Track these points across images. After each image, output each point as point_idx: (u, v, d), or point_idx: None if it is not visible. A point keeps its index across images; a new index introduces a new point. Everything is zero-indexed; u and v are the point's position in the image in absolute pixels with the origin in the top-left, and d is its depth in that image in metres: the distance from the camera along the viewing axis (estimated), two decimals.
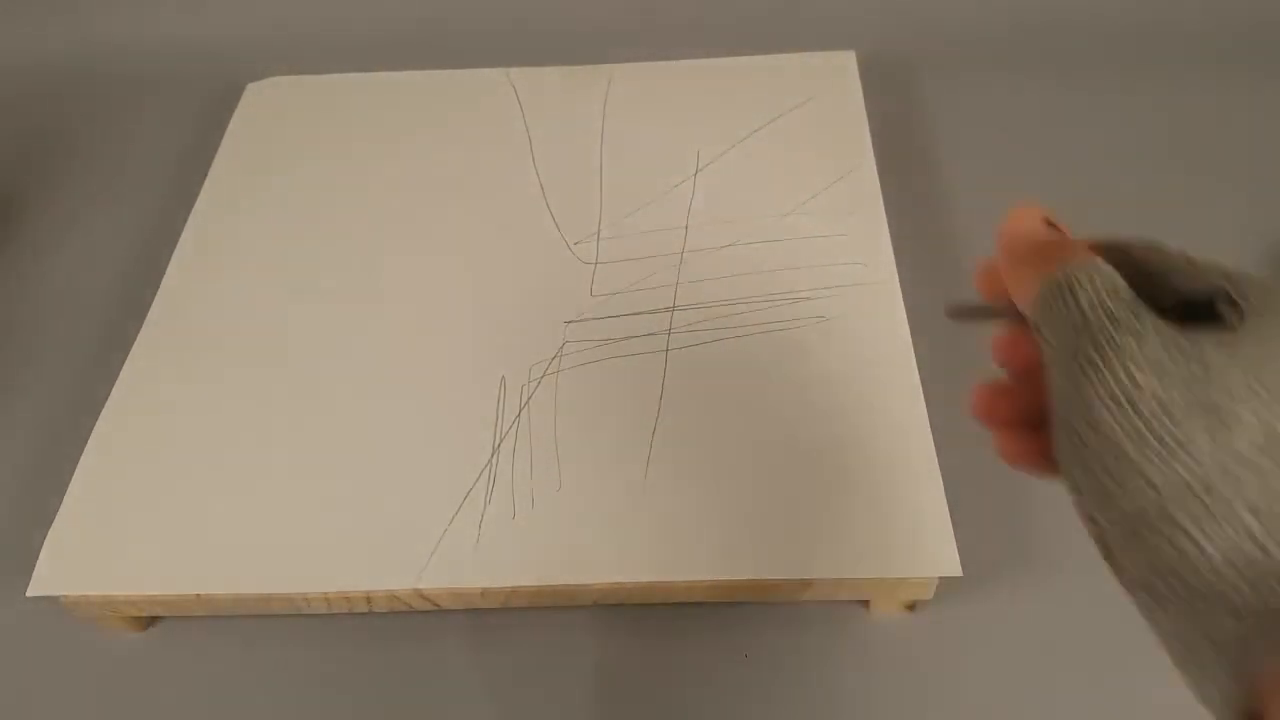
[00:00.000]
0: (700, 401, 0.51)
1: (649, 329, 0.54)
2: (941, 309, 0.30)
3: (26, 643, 0.49)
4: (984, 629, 0.47)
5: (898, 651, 0.47)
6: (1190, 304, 0.24)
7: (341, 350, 0.55)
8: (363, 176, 0.64)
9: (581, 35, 0.75)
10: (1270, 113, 0.68)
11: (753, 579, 0.45)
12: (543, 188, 0.62)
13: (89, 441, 0.51)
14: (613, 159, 0.64)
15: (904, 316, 0.53)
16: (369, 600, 0.47)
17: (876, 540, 0.45)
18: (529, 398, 0.52)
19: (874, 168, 0.61)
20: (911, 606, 0.47)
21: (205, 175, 0.65)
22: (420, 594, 0.46)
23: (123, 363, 0.54)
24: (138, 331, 0.56)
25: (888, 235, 0.57)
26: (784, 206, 0.59)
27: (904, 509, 0.46)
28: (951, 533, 0.45)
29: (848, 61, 0.68)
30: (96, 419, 0.52)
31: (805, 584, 0.46)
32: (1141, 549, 0.23)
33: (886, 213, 0.58)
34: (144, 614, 0.49)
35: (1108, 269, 0.25)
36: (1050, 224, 0.27)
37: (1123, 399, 0.23)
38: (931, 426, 0.49)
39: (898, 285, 0.54)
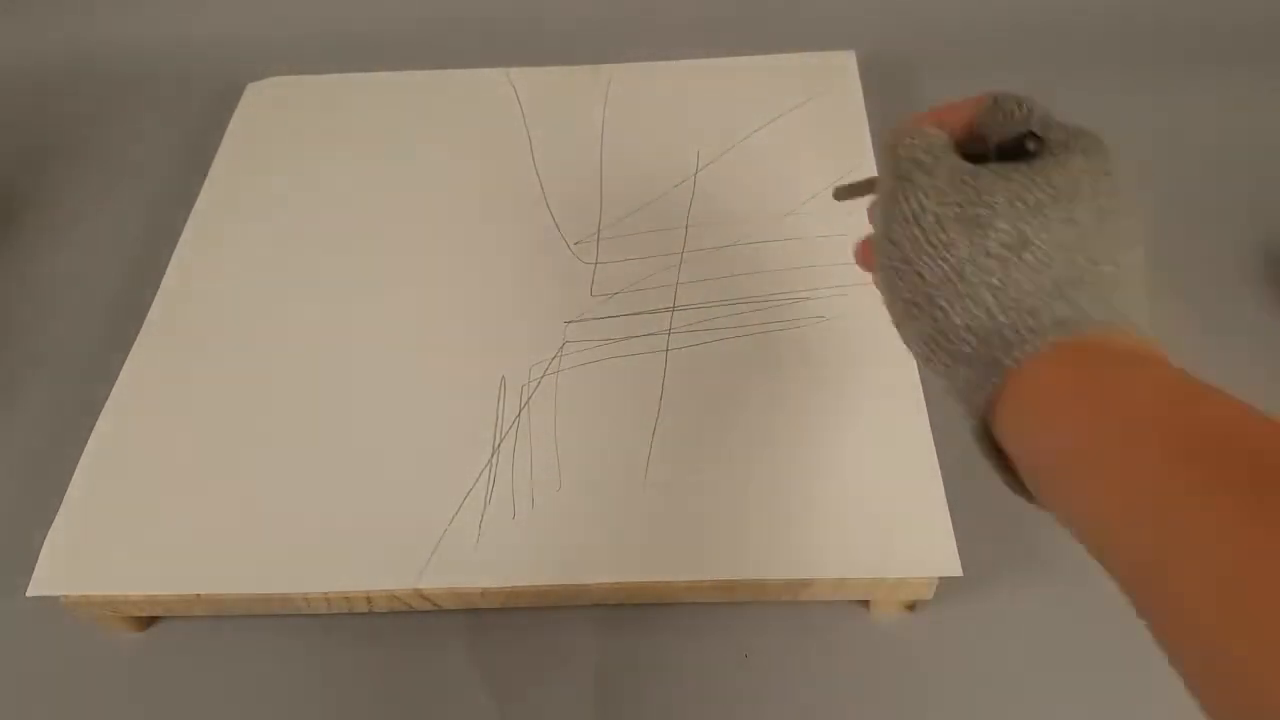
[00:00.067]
0: (700, 401, 0.51)
1: (649, 329, 0.54)
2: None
3: (26, 643, 0.49)
4: (984, 629, 0.47)
5: (898, 651, 0.47)
6: (1017, 143, 0.33)
7: (341, 350, 0.55)
8: (363, 176, 0.64)
9: (581, 35, 0.75)
10: (1270, 113, 0.68)
11: (753, 579, 0.45)
12: (543, 188, 0.62)
13: (89, 441, 0.51)
14: (613, 159, 0.64)
15: None
16: (369, 600, 0.47)
17: (876, 540, 0.45)
18: (529, 398, 0.52)
19: (874, 168, 0.61)
20: (911, 606, 0.47)
21: (205, 175, 0.65)
22: (420, 594, 0.46)
23: (123, 363, 0.54)
24: (138, 331, 0.56)
25: None
26: (784, 206, 0.59)
27: (904, 509, 0.46)
28: (951, 533, 0.45)
29: (848, 61, 0.68)
30: (96, 419, 0.52)
31: (805, 584, 0.46)
32: (915, 322, 0.32)
33: None
34: (144, 614, 0.49)
35: (928, 131, 0.33)
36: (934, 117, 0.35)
37: (911, 217, 0.32)
38: (931, 426, 0.49)
39: None
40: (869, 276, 0.37)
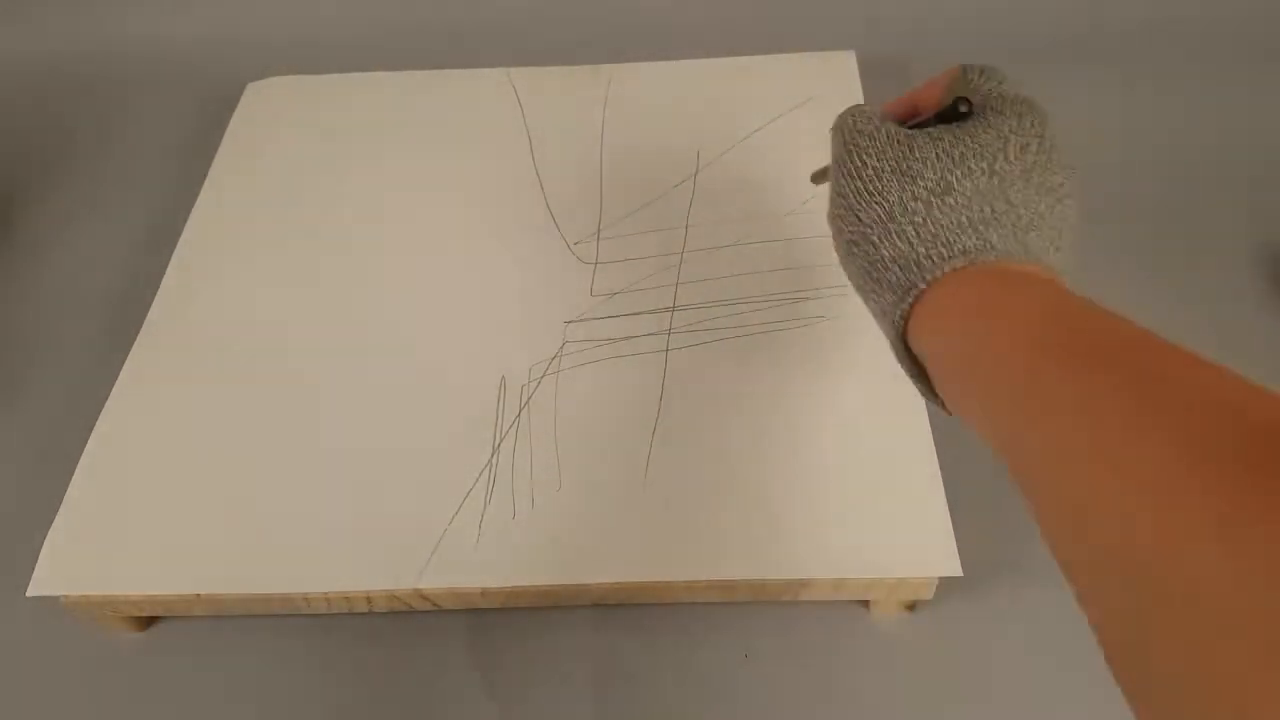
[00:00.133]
0: (700, 401, 0.51)
1: (649, 329, 0.54)
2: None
3: (26, 643, 0.49)
4: (984, 629, 0.47)
5: (898, 651, 0.47)
6: (953, 108, 0.38)
7: (341, 350, 0.55)
8: (363, 176, 0.64)
9: (581, 35, 0.75)
10: (1270, 113, 0.68)
11: (753, 579, 0.45)
12: (543, 188, 0.62)
13: (89, 441, 0.51)
14: (613, 159, 0.64)
15: None
16: (369, 600, 0.47)
17: (876, 540, 0.45)
18: (529, 398, 0.52)
19: None
20: (911, 606, 0.47)
21: (205, 175, 0.65)
22: (420, 594, 0.46)
23: (123, 363, 0.54)
24: (138, 331, 0.56)
25: None
26: (784, 206, 0.59)
27: (904, 509, 0.46)
28: (951, 533, 0.45)
29: (848, 61, 0.68)
30: (96, 419, 0.52)
31: (805, 584, 0.46)
32: (853, 258, 0.37)
33: None
34: (144, 614, 0.49)
35: (864, 108, 0.39)
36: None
37: (854, 172, 0.37)
38: (931, 426, 0.49)
39: None
40: None
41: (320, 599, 0.46)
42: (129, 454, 0.51)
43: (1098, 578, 0.25)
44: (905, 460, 0.48)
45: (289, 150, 0.66)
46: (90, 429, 0.52)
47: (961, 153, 0.36)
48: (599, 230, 0.59)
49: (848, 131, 0.39)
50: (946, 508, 0.46)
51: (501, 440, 0.50)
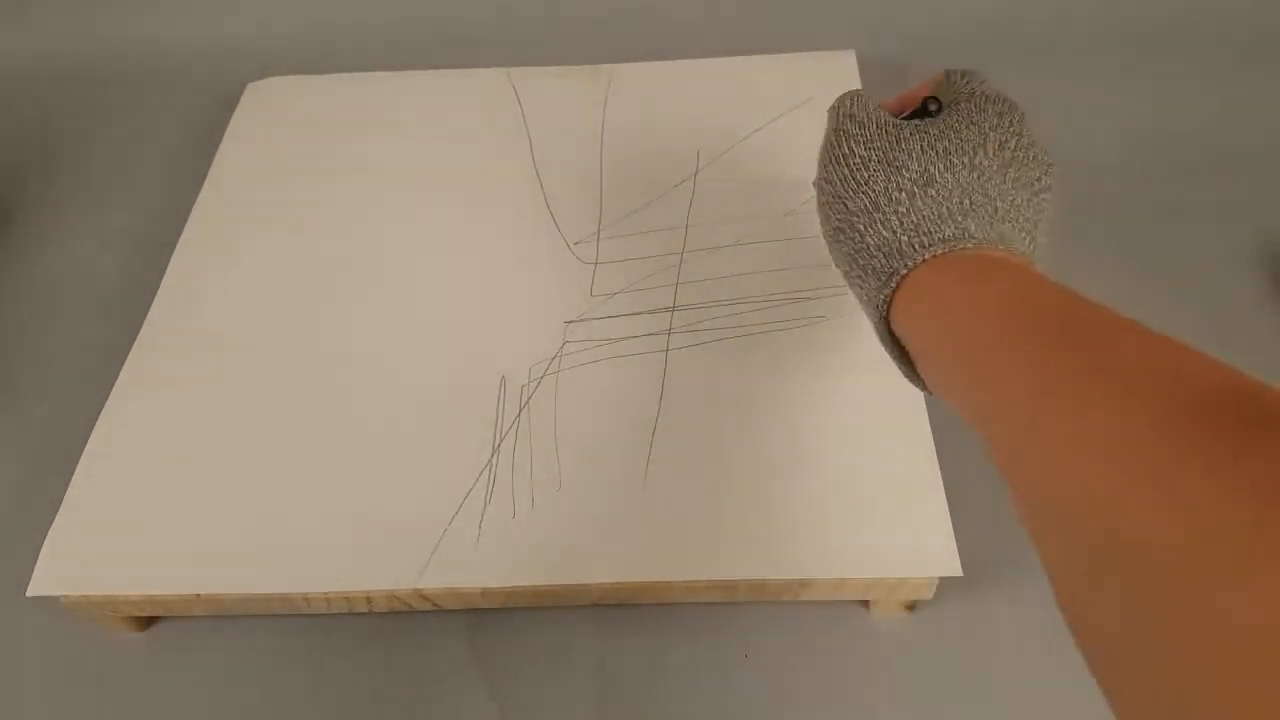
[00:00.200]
0: (700, 401, 0.51)
1: (649, 329, 0.54)
2: None
3: (26, 643, 0.49)
4: (984, 629, 0.47)
5: (898, 651, 0.47)
6: (923, 106, 0.41)
7: (341, 350, 0.55)
8: (362, 176, 0.64)
9: (581, 35, 0.75)
10: (1269, 112, 0.68)
11: (753, 579, 0.45)
12: (543, 188, 0.62)
13: (89, 442, 0.51)
14: (613, 159, 0.64)
15: None
16: (369, 600, 0.47)
17: (876, 540, 0.45)
18: (529, 398, 0.52)
19: None
20: (911, 606, 0.47)
21: (205, 175, 0.65)
22: (420, 594, 0.46)
23: (123, 363, 0.54)
24: (138, 331, 0.56)
25: None
26: (784, 206, 0.59)
27: (904, 509, 0.46)
28: (951, 533, 0.45)
29: (848, 61, 0.68)
30: (96, 419, 0.52)
31: (805, 584, 0.46)
32: (840, 244, 0.39)
33: None
34: (144, 614, 0.49)
35: (861, 94, 0.41)
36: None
37: (842, 159, 0.39)
38: (931, 426, 0.49)
39: None
40: None
41: (320, 599, 0.46)
42: (129, 454, 0.51)
43: (1046, 534, 0.26)
44: (905, 460, 0.48)
45: (289, 150, 0.66)
46: (90, 429, 0.52)
47: (945, 147, 0.38)
48: (599, 230, 0.59)
49: (841, 116, 0.40)
50: (946, 508, 0.46)
51: (501, 440, 0.50)
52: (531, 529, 0.47)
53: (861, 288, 0.39)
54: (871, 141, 0.38)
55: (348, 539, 0.47)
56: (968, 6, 0.76)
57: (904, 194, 0.37)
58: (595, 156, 0.64)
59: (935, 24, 0.76)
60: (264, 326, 0.56)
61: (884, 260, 0.37)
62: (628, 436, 0.50)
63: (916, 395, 0.50)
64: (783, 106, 0.65)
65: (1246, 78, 0.70)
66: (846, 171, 0.39)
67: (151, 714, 0.47)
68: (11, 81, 0.79)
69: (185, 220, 0.62)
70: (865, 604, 0.48)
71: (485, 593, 0.46)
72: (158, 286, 0.58)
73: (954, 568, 0.44)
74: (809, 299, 0.55)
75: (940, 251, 0.35)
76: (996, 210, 0.37)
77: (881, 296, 0.37)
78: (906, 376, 0.39)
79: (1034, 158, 0.39)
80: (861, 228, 0.38)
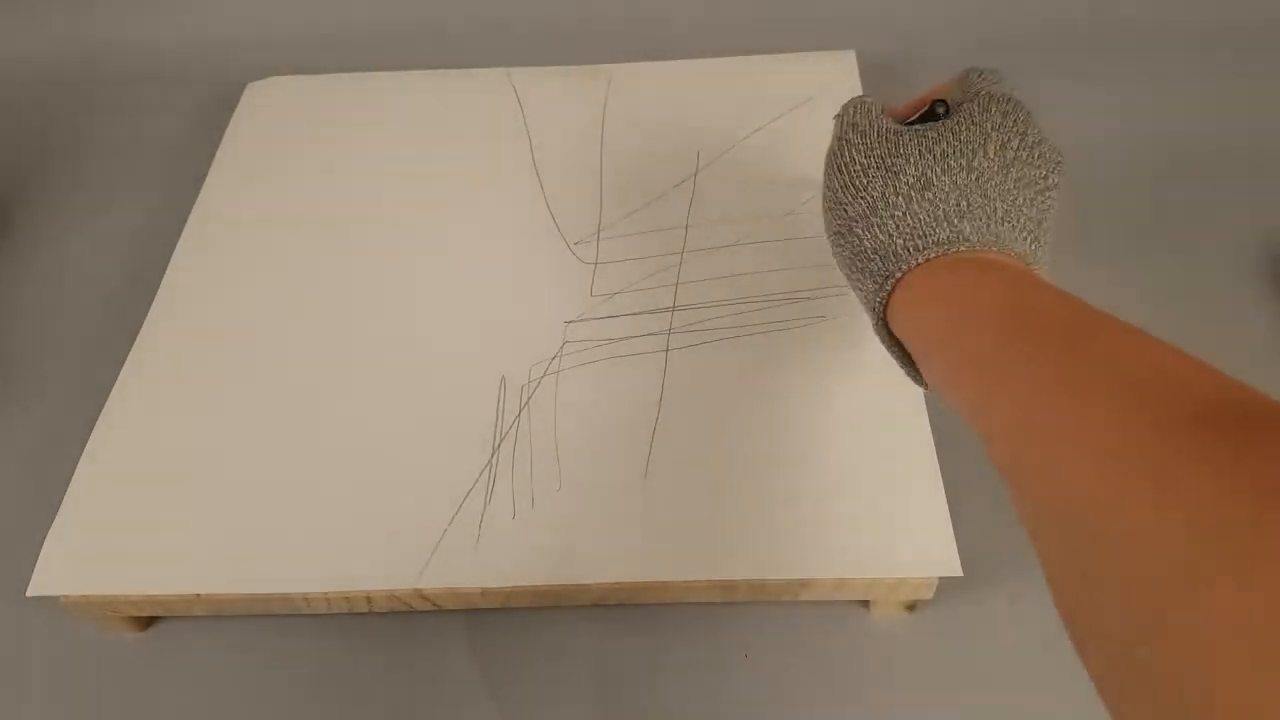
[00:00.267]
0: (700, 401, 0.51)
1: (649, 329, 0.54)
2: None
3: (26, 643, 0.49)
4: (984, 629, 0.47)
5: (898, 651, 0.47)
6: (932, 109, 0.41)
7: (341, 350, 0.55)
8: (363, 176, 0.64)
9: (581, 35, 0.75)
10: (1269, 112, 0.68)
11: (753, 579, 0.45)
12: (543, 188, 0.62)
13: (89, 442, 0.51)
14: (613, 159, 0.64)
15: None
16: (369, 600, 0.47)
17: (876, 540, 0.45)
18: (529, 398, 0.52)
19: None
20: (911, 606, 0.47)
21: (205, 175, 0.65)
22: (420, 594, 0.46)
23: (123, 363, 0.54)
24: (138, 331, 0.56)
25: None
26: (784, 206, 0.59)
27: (904, 509, 0.46)
28: (951, 533, 0.45)
29: (848, 61, 0.68)
30: (96, 419, 0.52)
31: (805, 584, 0.46)
32: (841, 248, 0.40)
33: None
34: (144, 614, 0.49)
35: (866, 101, 0.42)
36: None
37: (843, 166, 0.40)
38: (931, 426, 0.49)
39: None
40: None
41: (320, 599, 0.46)
42: (129, 454, 0.51)
43: (1045, 533, 0.26)
44: (905, 460, 0.48)
45: (289, 150, 0.66)
46: (90, 429, 0.52)
47: (943, 150, 0.38)
48: (599, 230, 0.59)
49: (845, 125, 0.41)
50: (946, 508, 0.46)
51: (501, 440, 0.50)
52: (531, 529, 0.47)
53: (860, 290, 0.40)
54: (871, 148, 0.39)
55: (348, 539, 0.47)
56: (968, 7, 0.76)
57: (900, 198, 0.37)
58: (595, 156, 0.64)
59: (935, 24, 0.76)
60: (264, 326, 0.56)
61: (880, 263, 0.37)
62: (628, 436, 0.50)
63: (916, 395, 0.50)
64: (783, 106, 0.65)
65: (1246, 78, 0.70)
66: (847, 178, 0.39)
67: (151, 714, 0.47)
68: (12, 81, 0.79)
69: (185, 220, 0.62)
70: (865, 604, 0.48)
71: (485, 593, 0.46)
72: (158, 286, 0.58)
73: (954, 568, 0.44)
74: (809, 299, 0.55)
75: (935, 254, 0.36)
76: (996, 211, 0.37)
77: (879, 299, 0.38)
78: (908, 375, 0.39)
79: (1039, 156, 0.39)
80: (860, 232, 0.38)
